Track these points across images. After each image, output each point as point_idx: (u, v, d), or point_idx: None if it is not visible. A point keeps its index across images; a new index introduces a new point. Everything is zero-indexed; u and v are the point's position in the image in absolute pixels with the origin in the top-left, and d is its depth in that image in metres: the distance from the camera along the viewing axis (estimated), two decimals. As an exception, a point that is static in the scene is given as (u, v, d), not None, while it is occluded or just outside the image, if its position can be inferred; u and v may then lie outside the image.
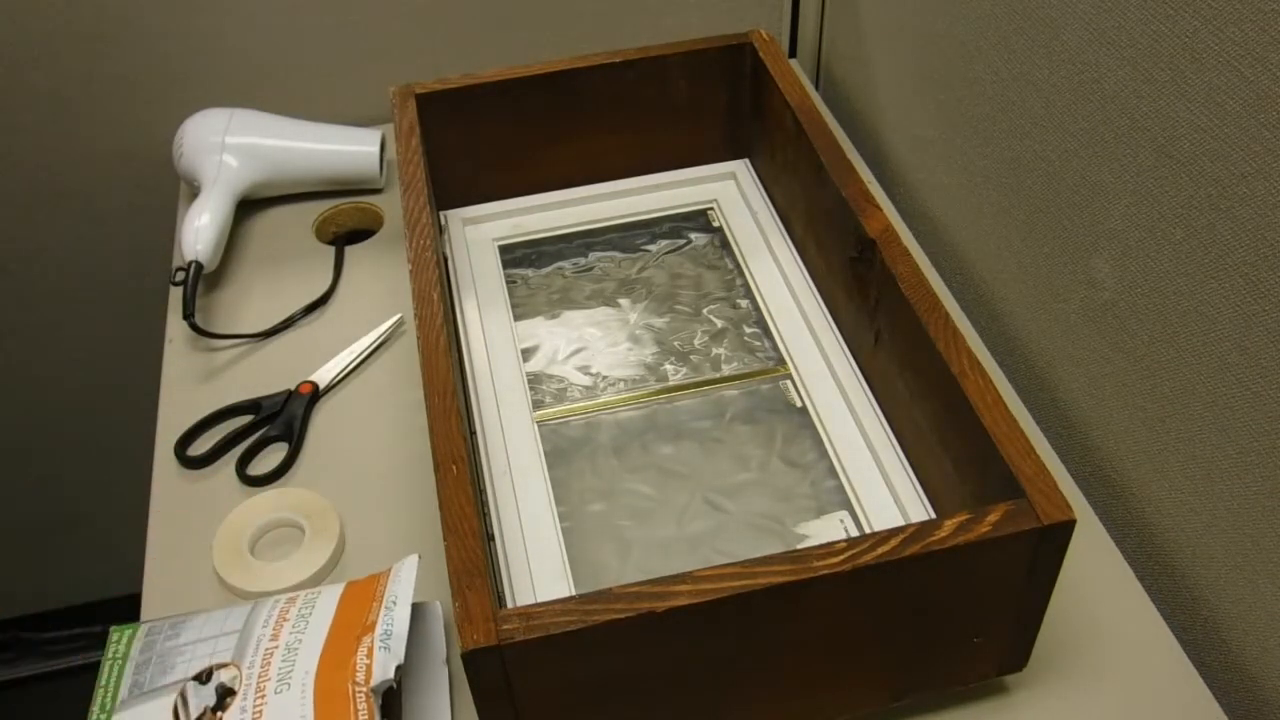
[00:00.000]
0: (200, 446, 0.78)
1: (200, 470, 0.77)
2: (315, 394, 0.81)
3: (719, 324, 0.84)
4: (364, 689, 0.55)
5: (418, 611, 0.65)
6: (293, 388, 0.81)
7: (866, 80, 1.03)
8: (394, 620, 0.58)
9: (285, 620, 0.60)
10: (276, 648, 0.58)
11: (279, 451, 0.78)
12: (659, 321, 0.84)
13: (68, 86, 0.99)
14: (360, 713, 0.54)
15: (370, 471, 0.76)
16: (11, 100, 0.99)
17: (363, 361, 0.84)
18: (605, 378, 0.80)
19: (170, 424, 0.80)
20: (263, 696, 0.56)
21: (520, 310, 0.85)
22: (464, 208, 0.90)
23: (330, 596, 0.62)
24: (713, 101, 0.89)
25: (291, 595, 0.63)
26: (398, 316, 0.87)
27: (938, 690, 0.61)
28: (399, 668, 0.56)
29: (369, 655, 0.56)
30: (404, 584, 0.61)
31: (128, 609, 0.71)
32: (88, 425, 1.24)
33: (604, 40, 1.08)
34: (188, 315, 0.85)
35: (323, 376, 0.82)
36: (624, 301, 0.86)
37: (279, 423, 0.79)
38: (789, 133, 0.81)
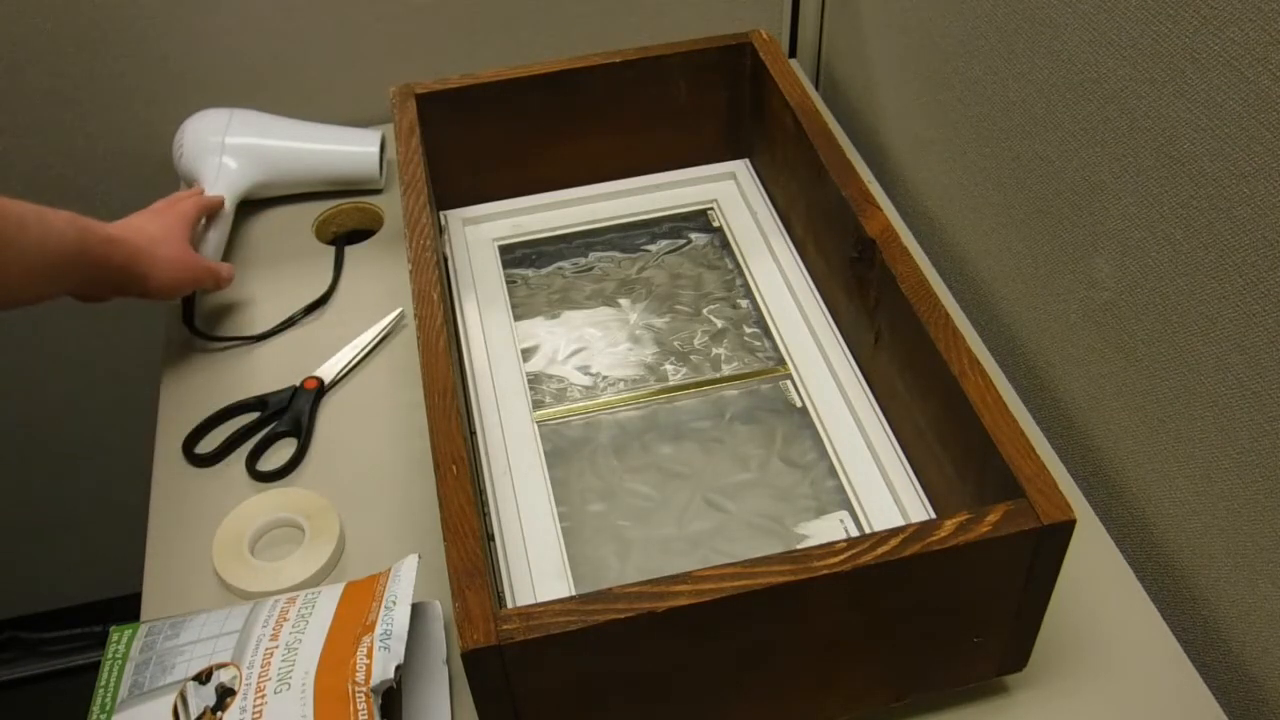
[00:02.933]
0: (208, 444, 0.78)
1: (207, 468, 0.77)
2: (321, 389, 0.81)
3: (719, 324, 0.84)
4: (364, 689, 0.55)
5: (417, 611, 0.65)
6: (297, 384, 0.81)
7: (866, 80, 1.03)
8: (394, 620, 0.58)
9: (285, 620, 0.60)
10: (276, 648, 0.58)
11: (288, 447, 0.78)
12: (659, 321, 0.84)
13: (68, 86, 0.99)
14: (360, 712, 0.54)
15: (371, 471, 0.77)
16: (11, 100, 0.99)
17: (366, 356, 0.84)
18: (605, 378, 0.80)
19: (171, 424, 0.80)
20: (262, 696, 0.56)
21: (520, 310, 0.85)
22: (464, 208, 0.90)
23: (330, 596, 0.62)
24: (713, 101, 0.89)
25: (291, 595, 0.63)
26: (399, 310, 0.87)
27: (938, 690, 0.61)
28: (399, 667, 0.56)
29: (369, 655, 0.56)
30: (404, 584, 0.61)
31: (128, 609, 0.70)
32: (88, 425, 1.24)
33: (604, 40, 1.08)
34: (187, 318, 0.85)
35: (327, 372, 0.82)
36: (624, 301, 0.86)
37: (286, 418, 0.79)
38: (789, 133, 0.81)
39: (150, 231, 0.78)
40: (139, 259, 0.75)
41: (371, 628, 0.58)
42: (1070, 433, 0.79)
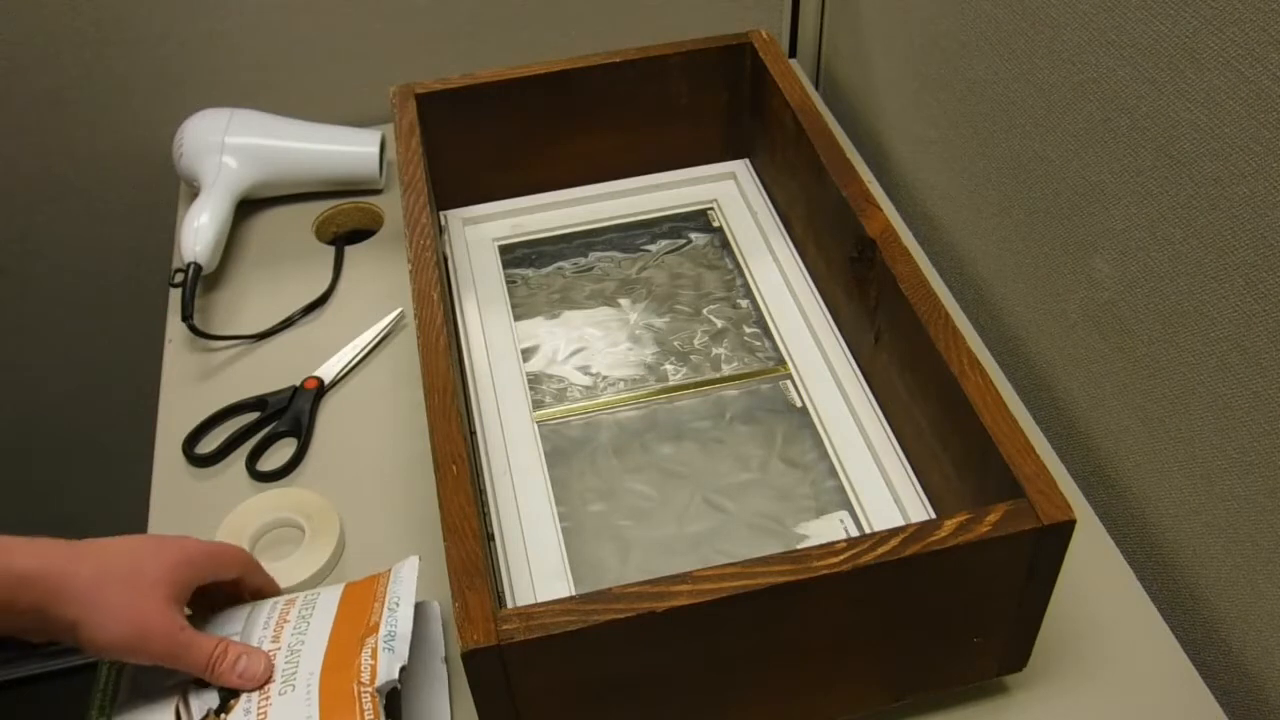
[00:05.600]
0: (208, 444, 0.78)
1: (207, 468, 0.77)
2: (321, 389, 0.81)
3: (719, 324, 0.84)
4: (369, 689, 0.55)
5: (416, 610, 0.65)
6: (297, 384, 0.81)
7: (866, 80, 1.03)
8: (397, 621, 0.58)
9: (286, 622, 0.60)
10: (278, 649, 0.58)
11: (288, 447, 0.78)
12: (659, 321, 0.84)
13: (68, 86, 0.99)
14: (366, 713, 0.54)
15: (371, 471, 0.77)
16: (11, 100, 0.99)
17: (366, 356, 0.84)
18: (605, 378, 0.80)
19: (171, 424, 0.80)
20: (267, 698, 0.56)
21: (520, 310, 0.85)
22: (464, 208, 0.90)
23: (330, 598, 0.62)
24: (713, 101, 0.89)
25: (290, 597, 0.63)
26: (399, 310, 0.87)
27: (938, 690, 0.62)
28: (403, 668, 0.56)
29: (373, 656, 0.56)
30: (405, 585, 0.61)
31: (128, 609, 0.70)
32: (88, 425, 1.24)
33: (604, 40, 1.07)
34: (186, 318, 0.85)
35: (327, 372, 0.82)
36: (624, 301, 0.86)
37: (287, 418, 0.79)
38: (789, 133, 0.81)
39: (109, 565, 0.59)
40: (60, 601, 0.56)
41: (375, 629, 0.58)
42: (1070, 433, 0.79)
